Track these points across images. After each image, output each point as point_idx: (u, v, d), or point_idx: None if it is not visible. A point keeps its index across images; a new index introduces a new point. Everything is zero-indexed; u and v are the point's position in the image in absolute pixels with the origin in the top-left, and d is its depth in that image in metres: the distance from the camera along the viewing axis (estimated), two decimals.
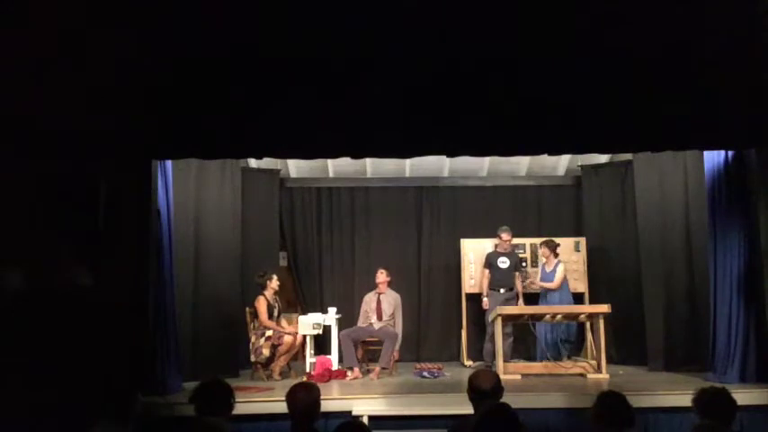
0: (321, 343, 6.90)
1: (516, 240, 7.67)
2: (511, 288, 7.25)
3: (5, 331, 4.47)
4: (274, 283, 6.59)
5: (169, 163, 5.67)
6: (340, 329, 6.74)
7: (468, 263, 7.77)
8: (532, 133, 4.97)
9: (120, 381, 4.46)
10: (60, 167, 4.73)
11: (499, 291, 7.20)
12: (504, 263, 7.25)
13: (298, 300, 8.06)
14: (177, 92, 4.76)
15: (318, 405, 3.32)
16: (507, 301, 7.11)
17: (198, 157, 5.57)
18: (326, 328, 6.69)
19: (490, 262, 7.30)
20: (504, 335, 6.88)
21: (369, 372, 6.57)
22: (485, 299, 7.24)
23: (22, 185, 4.67)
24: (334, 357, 6.59)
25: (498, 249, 7.36)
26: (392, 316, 6.86)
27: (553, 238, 7.28)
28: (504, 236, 7.23)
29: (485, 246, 7.72)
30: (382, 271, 6.99)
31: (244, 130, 4.91)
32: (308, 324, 6.55)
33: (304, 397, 3.27)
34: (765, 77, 4.84)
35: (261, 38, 4.73)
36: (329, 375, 6.27)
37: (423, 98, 4.77)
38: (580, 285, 7.63)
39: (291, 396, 3.29)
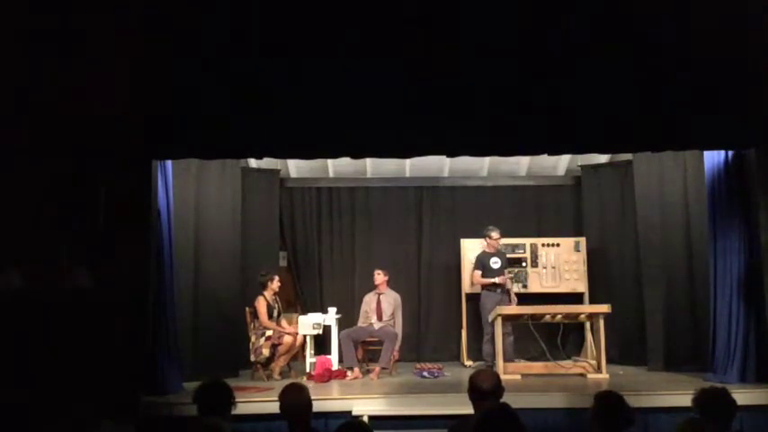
0: (321, 343, 6.90)
1: (516, 240, 7.67)
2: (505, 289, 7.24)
3: (6, 331, 4.48)
4: (275, 284, 6.59)
5: (169, 163, 5.67)
6: (340, 329, 6.74)
7: (469, 263, 7.74)
8: (532, 133, 4.97)
9: (121, 381, 4.46)
10: (60, 167, 4.74)
11: (495, 291, 7.19)
12: (496, 263, 7.21)
13: (298, 300, 8.06)
14: (177, 92, 4.77)
15: (310, 405, 3.32)
16: (502, 301, 7.09)
17: (198, 157, 5.57)
18: (326, 328, 6.69)
19: (482, 263, 7.25)
20: (504, 334, 6.88)
21: (369, 372, 6.57)
22: (499, 278, 7.09)
23: (23, 185, 4.68)
24: (334, 357, 6.59)
25: (487, 250, 7.31)
26: (392, 316, 6.86)
27: None
28: (494, 234, 7.18)
29: (485, 246, 7.71)
30: (379, 272, 6.99)
31: (244, 130, 4.91)
32: (308, 324, 6.55)
33: (294, 399, 3.29)
34: (765, 77, 4.84)
35: (261, 38, 4.73)
36: (329, 375, 6.27)
37: (422, 98, 4.77)
38: (580, 285, 7.63)
39: (282, 399, 3.31)
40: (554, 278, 7.71)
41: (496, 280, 7.10)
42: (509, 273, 7.32)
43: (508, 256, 7.47)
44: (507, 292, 7.24)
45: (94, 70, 4.62)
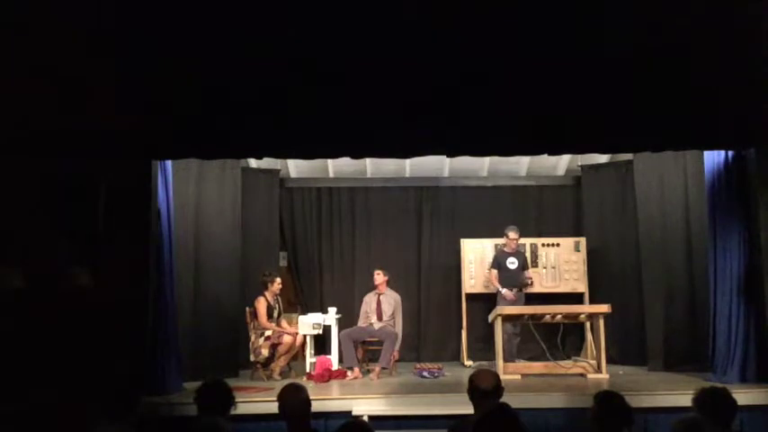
0: (321, 343, 6.90)
1: None
2: (520, 288, 7.25)
3: (6, 331, 4.48)
4: (276, 286, 6.59)
5: (169, 163, 5.67)
6: (340, 329, 6.74)
7: (468, 263, 7.77)
8: (532, 133, 4.96)
9: (121, 381, 4.46)
10: (60, 167, 4.74)
11: (510, 290, 7.20)
12: (512, 263, 7.25)
13: (298, 300, 8.06)
14: (177, 92, 4.76)
15: (309, 404, 3.32)
16: (517, 302, 7.11)
17: (198, 157, 5.57)
18: (326, 328, 6.69)
19: (498, 262, 7.29)
20: (513, 335, 6.90)
21: (369, 372, 6.57)
22: (504, 291, 7.11)
23: (22, 185, 4.68)
24: (334, 357, 6.59)
25: (505, 249, 7.35)
26: (392, 316, 6.86)
27: None
28: (512, 234, 7.22)
29: (485, 246, 7.73)
30: (379, 272, 6.99)
31: (244, 130, 4.91)
32: (308, 324, 6.56)
33: (292, 399, 3.29)
34: (765, 77, 4.84)
35: (261, 37, 4.73)
36: (329, 375, 6.27)
37: (423, 98, 4.77)
38: (580, 285, 7.63)
39: (280, 399, 3.31)
40: (554, 278, 7.71)
41: (502, 291, 7.10)
42: (529, 275, 7.33)
43: None
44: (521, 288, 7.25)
45: (95, 70, 4.61)
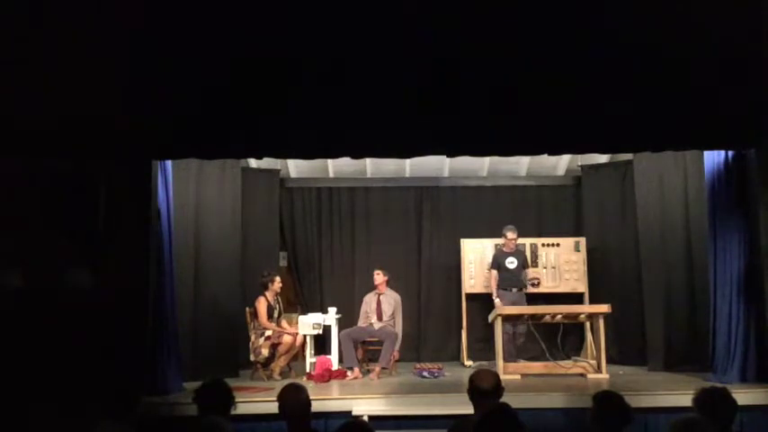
0: (321, 343, 6.90)
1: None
2: (521, 288, 7.25)
3: (6, 332, 4.48)
4: (276, 285, 6.59)
5: (169, 163, 5.67)
6: (340, 329, 6.74)
7: (468, 263, 7.76)
8: (532, 133, 4.96)
9: (121, 381, 4.46)
10: (60, 167, 4.74)
11: (511, 290, 7.19)
12: (512, 263, 7.25)
13: (298, 300, 8.06)
14: (177, 92, 4.76)
15: (309, 405, 3.32)
16: (517, 301, 7.11)
17: (198, 157, 5.57)
18: (326, 328, 6.69)
19: (498, 263, 7.29)
20: (516, 335, 6.89)
21: (369, 372, 6.57)
22: (497, 300, 7.13)
23: (22, 185, 4.68)
24: (334, 357, 6.59)
25: (504, 249, 7.35)
26: (392, 316, 6.86)
27: None
28: (510, 234, 7.22)
29: (485, 246, 7.73)
30: (378, 272, 6.98)
31: (244, 130, 4.91)
32: (308, 324, 6.55)
33: (292, 399, 3.29)
34: (765, 78, 4.84)
35: (261, 38, 4.73)
36: (329, 375, 6.27)
37: (422, 98, 4.77)
38: (580, 285, 7.63)
39: (280, 399, 3.31)
40: (554, 278, 7.71)
41: (495, 301, 7.09)
42: (534, 276, 7.33)
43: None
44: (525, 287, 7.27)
45: (95, 70, 4.62)
